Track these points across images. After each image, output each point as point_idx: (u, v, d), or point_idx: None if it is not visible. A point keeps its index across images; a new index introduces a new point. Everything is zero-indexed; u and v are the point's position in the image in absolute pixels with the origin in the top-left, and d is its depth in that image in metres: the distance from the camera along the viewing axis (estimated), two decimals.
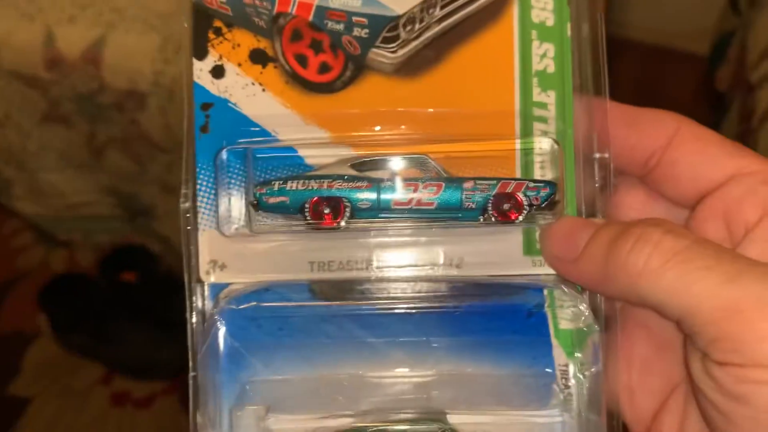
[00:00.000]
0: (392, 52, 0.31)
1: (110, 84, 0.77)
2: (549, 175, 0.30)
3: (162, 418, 1.06)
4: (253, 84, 0.31)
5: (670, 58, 1.32)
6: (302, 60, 0.31)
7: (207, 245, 0.31)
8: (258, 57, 0.31)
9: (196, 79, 0.31)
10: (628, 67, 1.29)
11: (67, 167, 0.89)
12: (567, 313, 0.30)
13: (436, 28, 0.31)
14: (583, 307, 0.29)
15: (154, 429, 1.05)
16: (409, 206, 0.28)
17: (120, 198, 0.95)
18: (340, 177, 0.28)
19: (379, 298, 0.30)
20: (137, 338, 1.05)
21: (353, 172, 0.28)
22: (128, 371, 1.07)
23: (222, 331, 0.28)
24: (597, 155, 0.31)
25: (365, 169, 0.28)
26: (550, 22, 0.31)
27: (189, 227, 0.31)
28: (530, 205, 0.28)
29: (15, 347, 1.12)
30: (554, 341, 0.30)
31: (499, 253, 0.31)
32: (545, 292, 0.29)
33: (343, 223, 0.28)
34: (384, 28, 0.31)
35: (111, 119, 0.81)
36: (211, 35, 0.31)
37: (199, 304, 0.31)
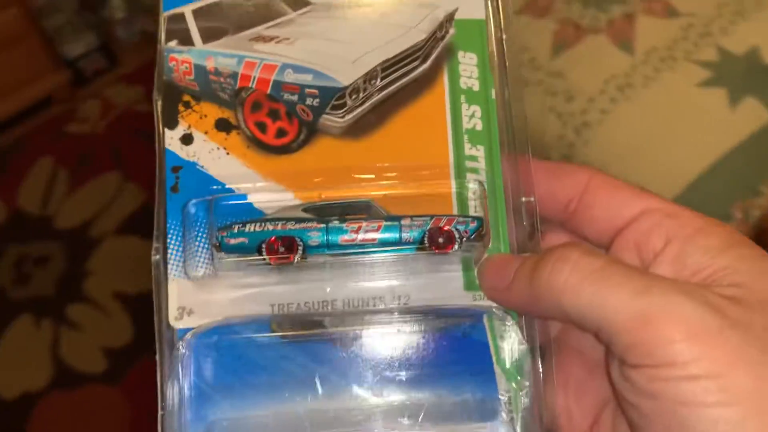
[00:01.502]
0: (340, 117, 0.35)
1: None
2: (480, 213, 0.33)
3: None
4: (218, 149, 0.35)
5: None
6: (262, 126, 0.35)
7: (176, 293, 0.34)
8: (222, 125, 0.35)
9: (167, 146, 0.35)
10: None
11: None
12: (506, 343, 0.33)
13: (378, 96, 0.36)
14: (515, 327, 0.32)
15: None
16: (354, 242, 0.31)
17: None
18: (293, 219, 0.31)
19: (333, 334, 0.32)
20: None
21: (304, 215, 0.32)
22: None
23: (189, 367, 0.31)
24: (524, 199, 0.35)
25: (316, 213, 0.32)
26: (476, 88, 0.36)
27: (159, 277, 0.34)
28: (461, 238, 0.31)
29: None
30: (496, 369, 0.33)
31: (442, 290, 0.34)
32: (485, 317, 0.32)
33: (297, 259, 0.31)
34: (333, 97, 0.35)
35: None
36: (181, 108, 0.36)
37: (167, 348, 0.33)
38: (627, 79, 0.94)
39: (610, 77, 0.95)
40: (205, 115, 0.35)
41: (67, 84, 1.61)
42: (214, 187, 0.34)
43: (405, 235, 0.31)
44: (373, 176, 0.34)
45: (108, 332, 1.27)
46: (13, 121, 1.53)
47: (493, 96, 0.36)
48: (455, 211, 0.34)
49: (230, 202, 0.33)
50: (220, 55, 0.36)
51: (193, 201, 0.33)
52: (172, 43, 0.36)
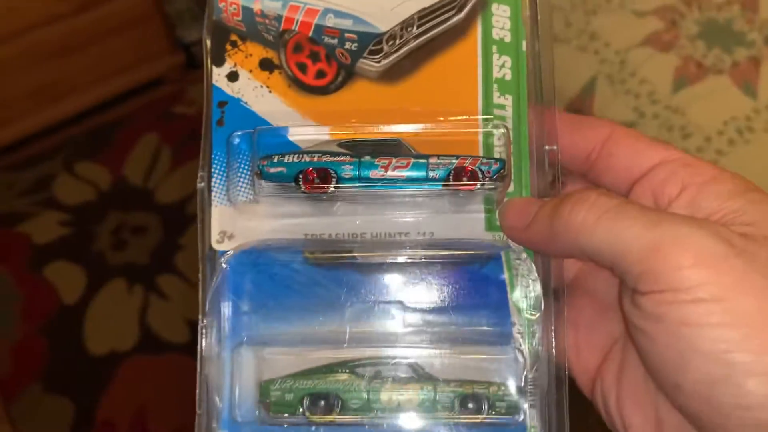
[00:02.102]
0: (377, 62, 0.37)
1: None
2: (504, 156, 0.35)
3: None
4: (261, 87, 0.38)
5: None
6: (302, 68, 0.38)
7: (218, 218, 0.37)
8: (266, 65, 0.38)
9: (214, 82, 0.38)
10: None
11: None
12: (521, 278, 0.35)
13: (414, 43, 0.37)
14: (533, 273, 0.34)
15: None
16: (384, 177, 0.33)
17: None
18: (328, 152, 0.34)
19: (361, 263, 0.35)
20: None
21: (339, 149, 0.34)
22: None
23: (228, 283, 0.34)
24: (547, 147, 0.36)
25: (350, 149, 0.34)
26: (507, 39, 0.38)
27: (204, 204, 0.37)
28: (484, 177, 0.33)
29: None
30: (511, 303, 0.35)
31: (465, 229, 0.36)
32: (503, 254, 0.34)
33: (331, 188, 0.33)
34: (370, 42, 0.37)
35: None
36: (228, 47, 0.38)
37: (210, 267, 0.36)
38: (747, 123, 0.94)
39: (730, 119, 0.95)
40: (251, 55, 0.38)
41: (179, 67, 1.66)
42: (258, 123, 0.37)
43: (431, 173, 0.33)
44: (404, 119, 0.36)
45: (194, 305, 1.33)
46: (126, 96, 1.60)
47: (524, 48, 0.38)
48: (481, 149, 0.36)
49: (271, 136, 0.35)
50: None
51: (237, 133, 0.36)
52: None
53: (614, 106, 1.00)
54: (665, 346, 0.28)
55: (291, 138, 0.36)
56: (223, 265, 0.34)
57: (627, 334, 0.33)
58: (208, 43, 0.38)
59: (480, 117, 0.37)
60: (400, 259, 0.35)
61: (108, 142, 1.54)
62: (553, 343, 0.35)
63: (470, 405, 0.33)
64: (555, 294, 0.36)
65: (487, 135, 0.36)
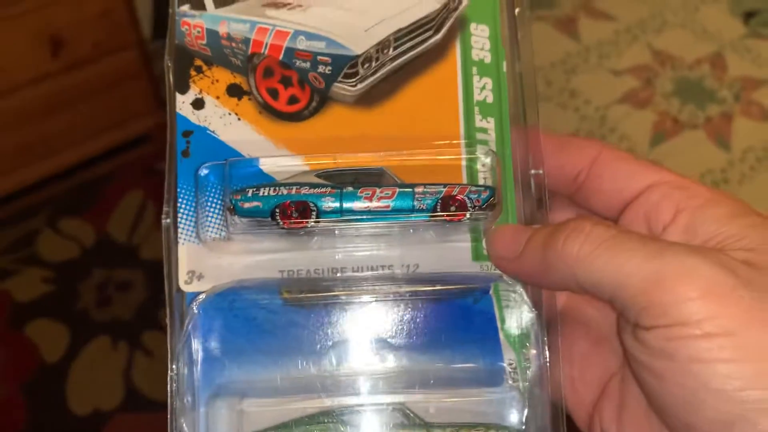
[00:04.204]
0: (352, 86, 0.35)
1: None
2: (490, 183, 0.34)
3: None
4: (229, 114, 0.35)
5: None
6: (274, 93, 0.35)
7: (186, 257, 0.34)
8: (234, 91, 0.35)
9: (178, 110, 0.35)
10: None
11: None
12: (512, 313, 0.33)
13: (390, 66, 0.36)
14: (524, 294, 0.32)
15: None
16: (368, 209, 0.31)
17: None
18: (308, 184, 0.32)
19: (342, 301, 0.33)
20: None
21: (318, 180, 0.32)
22: None
23: (199, 329, 0.31)
24: (533, 171, 0.35)
25: (329, 179, 0.32)
26: (487, 60, 0.36)
27: (170, 241, 0.34)
28: (473, 207, 0.32)
29: None
30: (502, 338, 0.33)
31: (451, 259, 0.34)
32: (492, 286, 0.32)
33: (310, 223, 0.31)
34: (345, 65, 0.35)
35: None
36: (192, 72, 0.35)
37: (178, 311, 0.33)
38: (723, 174, 1.01)
39: (707, 171, 1.01)
40: (217, 80, 0.35)
41: (164, 125, 1.68)
42: (226, 153, 0.34)
43: (418, 203, 0.31)
44: (384, 145, 0.34)
45: None
46: (111, 153, 1.62)
47: (505, 69, 0.36)
48: (465, 182, 0.34)
49: (243, 167, 0.33)
50: (232, 21, 0.36)
51: (206, 165, 0.33)
52: (185, 8, 0.36)
53: None
54: (675, 384, 0.27)
55: (263, 168, 0.34)
56: (194, 310, 0.31)
57: (626, 368, 0.31)
58: (170, 69, 0.35)
59: (462, 141, 0.35)
60: (384, 296, 0.32)
61: (93, 198, 1.55)
62: (549, 378, 0.33)
63: None
64: (548, 326, 0.34)
65: (471, 160, 0.34)
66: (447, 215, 0.31)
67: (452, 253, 0.34)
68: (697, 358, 0.26)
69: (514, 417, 0.32)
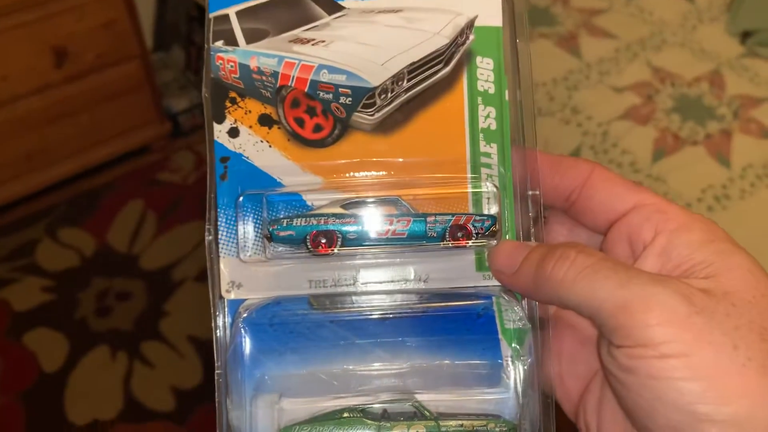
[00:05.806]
0: (370, 115, 0.39)
1: None
2: (493, 210, 0.38)
3: None
4: (261, 141, 0.39)
5: None
6: (300, 122, 0.40)
7: (226, 270, 0.39)
8: (265, 120, 0.40)
9: (216, 138, 0.39)
10: None
11: None
12: (510, 316, 0.39)
13: (404, 96, 0.40)
14: (521, 311, 0.38)
15: None
16: (386, 236, 0.36)
17: None
18: (334, 215, 0.36)
19: (363, 307, 0.38)
20: None
21: (343, 211, 0.37)
22: None
23: (244, 336, 0.36)
24: (530, 192, 0.39)
25: (352, 208, 0.37)
26: (491, 91, 0.40)
27: (212, 255, 0.39)
28: (477, 234, 0.36)
29: None
30: (501, 337, 0.39)
31: (457, 271, 0.39)
32: (493, 298, 0.38)
33: (336, 250, 0.36)
34: (364, 96, 0.39)
35: None
36: (228, 103, 0.40)
37: (221, 316, 0.39)
38: (724, 191, 1.01)
39: (708, 187, 1.02)
40: (250, 111, 0.40)
41: (165, 136, 1.70)
42: (260, 177, 0.39)
43: (430, 230, 0.36)
44: (398, 168, 0.39)
45: (179, 372, 1.32)
46: (112, 163, 1.62)
47: (507, 97, 0.40)
48: (471, 207, 0.39)
49: (277, 197, 0.38)
50: (262, 55, 0.40)
51: (244, 194, 0.38)
52: (219, 43, 0.40)
53: None
54: (636, 394, 0.32)
55: (300, 198, 0.38)
56: (239, 323, 0.36)
57: (601, 366, 0.36)
58: (208, 100, 0.39)
59: (468, 175, 0.39)
60: (398, 306, 0.38)
61: (93, 208, 1.54)
62: (541, 372, 0.38)
63: None
64: (541, 324, 0.39)
65: (477, 189, 0.39)
66: (453, 242, 0.36)
67: (458, 264, 0.39)
68: (655, 376, 0.31)
69: (513, 411, 0.38)
